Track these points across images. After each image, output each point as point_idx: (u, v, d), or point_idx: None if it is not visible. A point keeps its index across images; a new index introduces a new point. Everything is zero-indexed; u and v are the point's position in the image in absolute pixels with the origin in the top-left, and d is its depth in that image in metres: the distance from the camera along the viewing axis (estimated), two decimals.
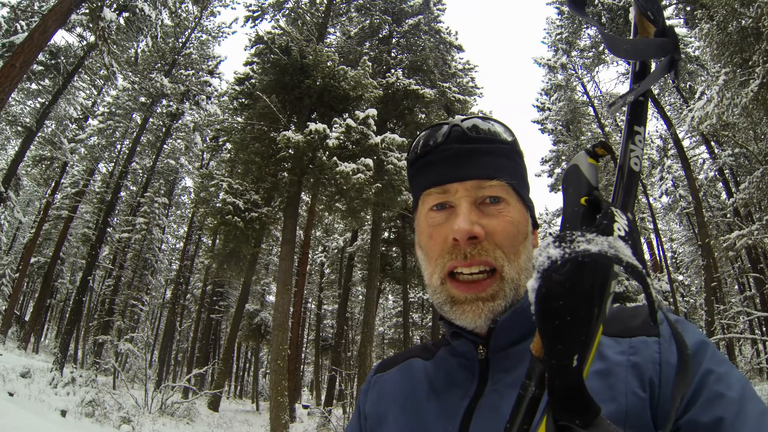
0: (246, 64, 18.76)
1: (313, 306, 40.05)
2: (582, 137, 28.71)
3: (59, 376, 18.75)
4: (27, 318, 34.00)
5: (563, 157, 29.61)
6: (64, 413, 13.87)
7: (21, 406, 12.96)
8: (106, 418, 14.89)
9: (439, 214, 0.89)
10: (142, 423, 15.30)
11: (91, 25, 17.74)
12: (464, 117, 0.93)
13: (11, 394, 14.01)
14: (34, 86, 23.47)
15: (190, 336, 34.71)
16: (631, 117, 0.70)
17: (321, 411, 21.44)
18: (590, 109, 29.03)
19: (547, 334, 0.49)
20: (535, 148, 48.18)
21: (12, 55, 13.08)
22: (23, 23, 20.24)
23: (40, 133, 23.26)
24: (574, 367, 0.49)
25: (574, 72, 28.18)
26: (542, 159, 31.32)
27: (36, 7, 20.39)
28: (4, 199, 20.70)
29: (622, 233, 0.51)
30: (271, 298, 33.05)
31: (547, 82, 30.53)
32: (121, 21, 18.43)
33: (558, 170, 29.96)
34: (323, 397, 32.59)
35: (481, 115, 0.97)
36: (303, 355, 31.10)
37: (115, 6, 17.63)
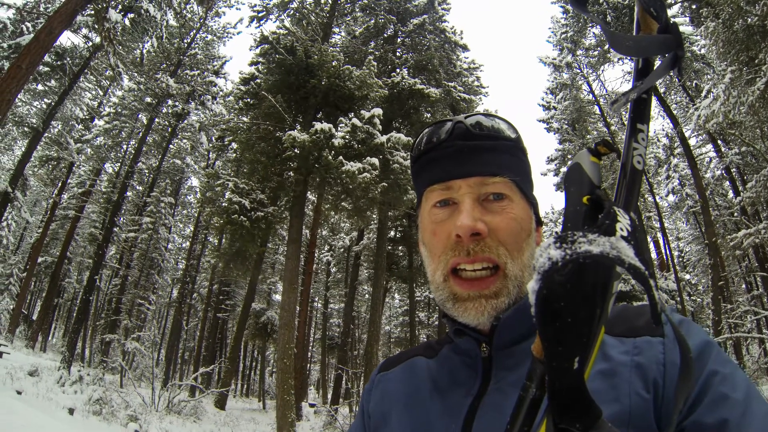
0: (251, 64, 18.76)
1: (319, 305, 40.11)
2: (588, 136, 28.60)
3: (67, 374, 18.88)
4: (34, 317, 34.20)
5: (569, 156, 29.48)
6: (71, 411, 13.94)
7: (29, 404, 13.05)
8: (114, 416, 14.95)
9: (443, 210, 0.89)
10: (149, 421, 15.37)
11: (96, 26, 17.79)
12: (468, 114, 0.93)
13: (19, 393, 14.08)
14: (40, 87, 23.50)
15: (197, 335, 34.81)
16: (634, 115, 0.70)
17: (327, 409, 21.47)
18: (596, 107, 28.97)
19: (548, 336, 0.48)
20: (541, 147, 47.59)
21: (18, 57, 13.16)
22: (29, 24, 20.36)
23: (46, 134, 23.37)
24: (575, 369, 0.49)
25: (579, 71, 28.11)
26: (548, 158, 31.24)
27: (42, 9, 20.52)
28: (12, 199, 20.82)
29: (625, 233, 0.51)
30: (278, 297, 32.99)
31: (552, 81, 30.46)
32: (127, 22, 18.56)
33: (564, 169, 29.81)
34: (330, 396, 32.65)
35: (484, 112, 0.96)
36: (309, 353, 31.20)
37: (120, 7, 17.74)
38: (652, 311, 0.48)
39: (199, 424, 17.82)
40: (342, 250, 35.82)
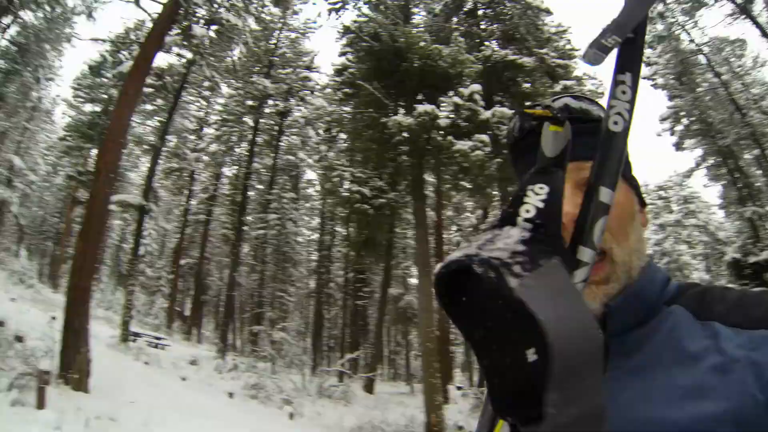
0: (340, 54, 18.66)
1: None
2: (698, 89, 26.05)
3: (222, 363, 20.31)
4: (186, 313, 36.89)
5: (682, 113, 27.04)
6: (231, 395, 15.36)
7: (193, 389, 14.58)
8: (269, 399, 16.15)
9: None
10: (302, 404, 16.15)
11: (185, 43, 18.73)
12: (555, 97, 0.86)
13: (184, 379, 15.82)
14: (149, 107, 25.00)
15: (339, 323, 35.76)
16: (617, 63, 0.66)
17: (474, 392, 21.37)
18: (701, 57, 26.29)
19: (470, 342, 0.47)
20: (652, 106, 43.32)
21: (124, 84, 14.23)
22: (125, 53, 21.85)
23: (164, 148, 24.92)
24: (532, 361, 0.43)
25: (674, 19, 25.66)
26: (660, 117, 28.15)
27: (133, 37, 21.85)
28: (147, 210, 22.47)
29: (531, 214, 0.49)
30: (414, 281, 33.37)
31: (648, 35, 27.85)
32: (212, 34, 19.34)
33: (679, 127, 27.21)
34: (477, 378, 32.74)
35: (571, 93, 0.91)
36: (453, 335, 31.11)
37: (203, 22, 18.36)
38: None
39: (349, 407, 18.53)
40: (470, 229, 35.41)
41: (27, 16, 23.48)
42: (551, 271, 0.45)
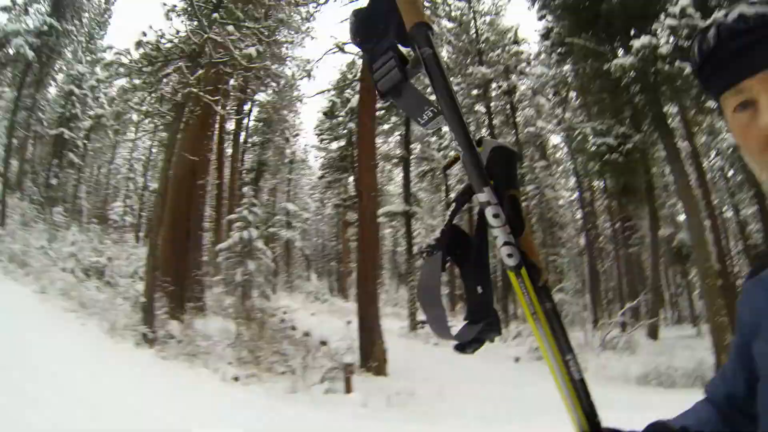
0: (539, 18, 18.95)
1: (729, 214, 36.51)
2: None
3: (506, 331, 21.52)
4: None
5: None
6: (517, 360, 16.93)
7: (480, 359, 15.29)
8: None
9: (744, 114, 0.79)
10: (586, 359, 16.03)
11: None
12: (727, 10, 0.79)
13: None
14: (386, 126, 28.11)
15: (615, 274, 35.09)
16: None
17: None
18: None
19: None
20: None
21: (358, 117, 17.09)
22: (349, 92, 26.00)
23: (412, 156, 27.60)
24: (480, 293, 0.87)
25: None
26: None
27: (350, 77, 25.36)
28: (412, 214, 25.46)
29: (445, 223, 0.94)
30: (683, 217, 31.45)
31: None
32: None
33: None
34: None
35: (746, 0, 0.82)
36: (737, 268, 27.99)
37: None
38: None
39: (634, 356, 18.23)
40: (729, 150, 32.26)
41: (260, 96, 30.16)
42: (435, 257, 0.89)
